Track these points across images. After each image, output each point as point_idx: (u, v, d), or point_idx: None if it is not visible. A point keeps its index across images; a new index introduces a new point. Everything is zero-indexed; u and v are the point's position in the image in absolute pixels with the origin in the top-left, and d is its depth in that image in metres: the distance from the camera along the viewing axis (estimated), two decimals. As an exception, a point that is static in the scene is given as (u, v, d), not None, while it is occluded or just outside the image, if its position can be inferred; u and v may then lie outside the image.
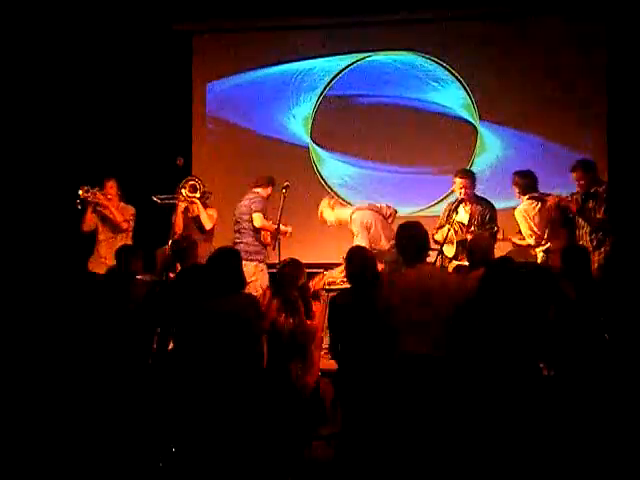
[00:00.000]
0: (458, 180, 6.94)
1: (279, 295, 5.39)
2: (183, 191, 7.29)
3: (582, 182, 6.80)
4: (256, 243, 7.45)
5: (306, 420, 5.14)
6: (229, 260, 4.92)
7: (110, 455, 4.90)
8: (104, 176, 8.06)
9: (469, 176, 7.01)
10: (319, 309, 5.62)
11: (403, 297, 4.58)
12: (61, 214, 8.04)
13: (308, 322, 5.38)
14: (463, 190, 6.89)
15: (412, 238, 4.72)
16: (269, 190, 7.64)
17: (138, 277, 6.36)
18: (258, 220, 7.41)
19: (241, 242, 7.40)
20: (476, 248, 5.56)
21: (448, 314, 4.50)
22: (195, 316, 4.83)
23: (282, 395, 5.08)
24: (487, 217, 6.81)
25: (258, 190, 7.60)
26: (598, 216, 6.70)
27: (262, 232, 7.45)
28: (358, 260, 5.06)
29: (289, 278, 5.44)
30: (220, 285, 4.81)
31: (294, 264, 5.54)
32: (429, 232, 6.81)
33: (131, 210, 7.70)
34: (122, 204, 7.69)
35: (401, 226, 4.86)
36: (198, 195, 7.34)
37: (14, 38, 8.42)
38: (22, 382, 5.17)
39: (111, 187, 7.64)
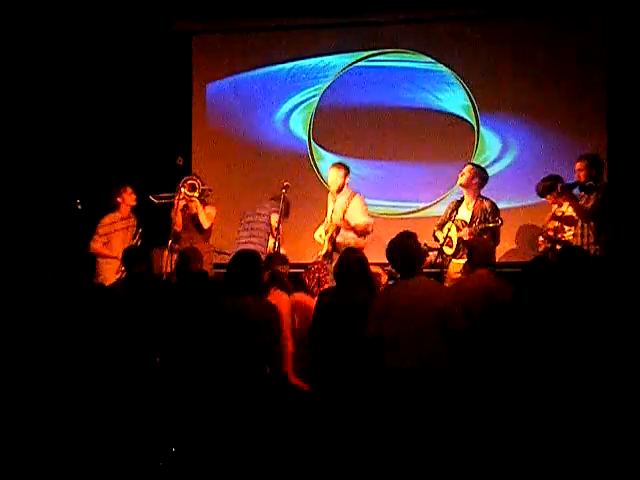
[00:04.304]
0: (467, 166, 7.01)
1: None
2: (182, 189, 7.29)
3: (581, 173, 6.79)
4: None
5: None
6: (250, 262, 4.94)
7: (110, 455, 4.91)
8: (104, 177, 8.11)
9: (478, 167, 7.07)
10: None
11: (394, 310, 4.59)
12: (58, 214, 8.06)
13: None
14: (466, 176, 6.91)
15: (404, 252, 4.77)
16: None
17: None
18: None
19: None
20: (476, 249, 5.57)
21: (437, 327, 4.53)
22: (209, 315, 4.85)
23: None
24: (489, 216, 6.81)
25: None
26: (587, 205, 6.68)
27: None
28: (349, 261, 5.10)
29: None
30: (239, 286, 4.82)
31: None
32: (430, 230, 6.95)
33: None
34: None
35: (392, 241, 4.89)
36: (197, 194, 7.33)
37: (14, 38, 8.43)
38: (28, 378, 5.18)
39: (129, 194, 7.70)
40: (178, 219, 7.35)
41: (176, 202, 7.28)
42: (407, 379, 4.47)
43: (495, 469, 4.48)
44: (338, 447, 4.72)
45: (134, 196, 7.68)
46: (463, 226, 6.81)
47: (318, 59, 8.93)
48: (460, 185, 7.01)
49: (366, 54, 8.83)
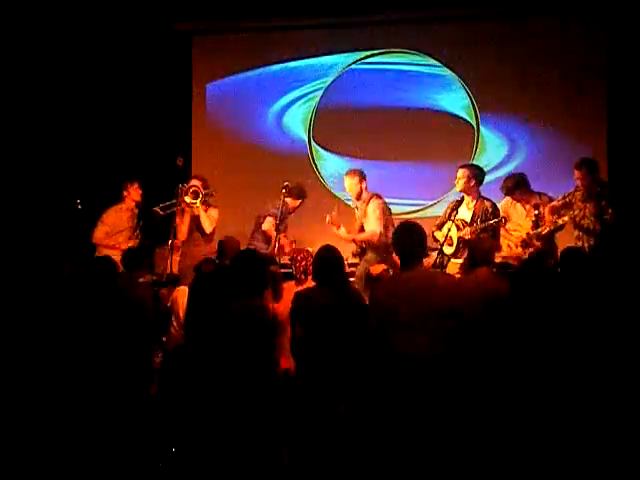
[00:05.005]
0: (460, 171, 6.95)
1: None
2: (186, 198, 7.27)
3: (584, 181, 6.80)
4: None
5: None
6: (250, 262, 4.94)
7: (110, 455, 4.90)
8: (105, 177, 8.13)
9: (470, 169, 7.02)
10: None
11: (397, 299, 4.59)
12: (57, 214, 8.07)
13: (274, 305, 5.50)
14: (463, 181, 6.88)
15: (410, 240, 4.74)
16: (297, 203, 7.67)
17: (141, 280, 6.40)
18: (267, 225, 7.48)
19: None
20: (477, 248, 5.57)
21: (442, 317, 4.52)
22: (210, 316, 4.86)
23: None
24: (491, 215, 6.80)
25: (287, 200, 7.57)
26: (606, 217, 6.70)
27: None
28: (327, 260, 5.06)
29: None
30: (242, 287, 4.83)
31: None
32: (430, 230, 6.94)
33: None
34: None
35: (399, 227, 4.87)
36: (198, 203, 7.31)
37: (14, 38, 8.43)
38: (24, 381, 5.17)
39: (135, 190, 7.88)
40: (184, 228, 7.39)
41: (179, 212, 7.27)
42: (412, 366, 4.46)
43: (493, 465, 4.49)
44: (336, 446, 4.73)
45: (140, 191, 7.88)
46: (464, 226, 6.79)
47: (317, 59, 8.95)
48: (460, 191, 6.97)
49: (365, 54, 8.84)
